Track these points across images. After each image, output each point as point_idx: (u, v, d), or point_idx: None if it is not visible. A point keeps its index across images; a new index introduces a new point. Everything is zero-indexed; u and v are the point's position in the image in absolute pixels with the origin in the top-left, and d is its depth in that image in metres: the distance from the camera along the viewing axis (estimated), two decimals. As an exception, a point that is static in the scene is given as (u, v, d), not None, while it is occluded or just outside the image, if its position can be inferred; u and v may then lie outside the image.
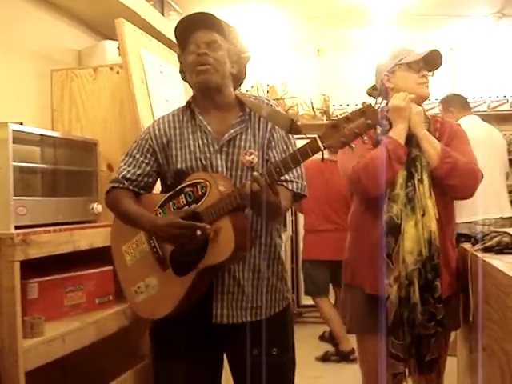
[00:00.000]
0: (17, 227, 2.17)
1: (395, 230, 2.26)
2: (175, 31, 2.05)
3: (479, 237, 2.34)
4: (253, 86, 6.29)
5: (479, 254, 2.17)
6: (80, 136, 2.89)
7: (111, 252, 2.19)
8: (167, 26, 3.69)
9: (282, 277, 2.11)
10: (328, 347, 4.85)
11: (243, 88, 6.06)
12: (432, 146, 2.32)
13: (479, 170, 2.32)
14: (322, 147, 1.70)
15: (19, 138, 2.25)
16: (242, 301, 2.00)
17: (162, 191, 2.12)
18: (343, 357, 4.47)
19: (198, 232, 1.81)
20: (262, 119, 2.03)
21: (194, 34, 2.00)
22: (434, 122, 2.48)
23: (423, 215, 2.25)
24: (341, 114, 6.38)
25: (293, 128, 1.84)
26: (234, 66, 2.07)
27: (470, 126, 3.67)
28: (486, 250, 2.21)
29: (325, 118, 6.33)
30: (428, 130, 2.37)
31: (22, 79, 2.96)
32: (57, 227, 2.33)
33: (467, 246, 2.41)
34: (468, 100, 4.50)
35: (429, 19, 5.73)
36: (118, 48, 2.87)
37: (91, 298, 2.56)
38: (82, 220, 2.63)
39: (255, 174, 1.76)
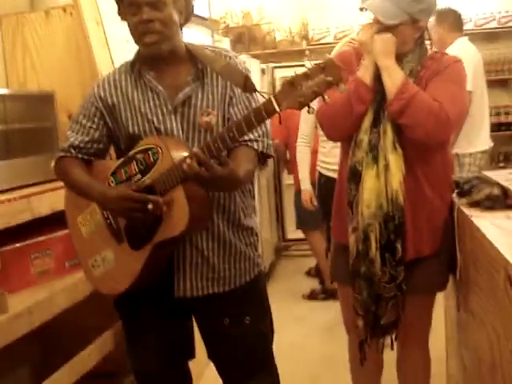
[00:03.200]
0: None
1: (356, 178, 2.08)
2: None
3: (466, 187, 2.12)
4: (227, 12, 5.97)
5: (466, 211, 1.97)
6: (33, 90, 2.68)
7: (67, 222, 2.03)
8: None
9: (250, 243, 1.96)
10: (314, 283, 4.78)
11: (216, 15, 5.82)
12: (391, 79, 2.00)
13: (447, 115, 1.95)
14: (277, 109, 1.53)
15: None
16: (208, 272, 1.87)
17: (117, 155, 1.95)
18: (330, 294, 4.39)
19: (150, 206, 1.67)
20: None
21: None
22: (429, 58, 2.13)
23: (386, 170, 2.03)
24: (318, 40, 6.14)
25: (247, 86, 1.67)
26: (183, 12, 1.83)
27: (467, 53, 3.43)
28: (474, 204, 2.03)
29: (304, 43, 6.06)
30: (414, 67, 2.08)
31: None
32: (11, 195, 2.17)
33: (455, 198, 2.20)
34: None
35: None
36: (68, -12, 2.61)
37: (60, 262, 2.43)
38: (43, 180, 2.46)
39: (194, 149, 1.60)
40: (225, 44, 5.32)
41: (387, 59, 2.03)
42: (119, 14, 1.84)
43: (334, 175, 3.41)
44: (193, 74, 1.83)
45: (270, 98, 1.54)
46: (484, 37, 5.29)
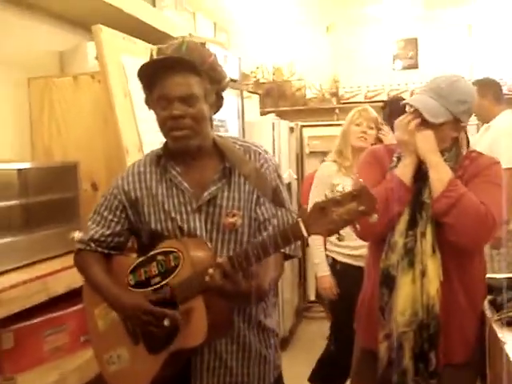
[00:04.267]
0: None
1: (390, 282, 1.98)
2: (139, 74, 1.73)
3: (499, 300, 2.00)
4: (258, 67, 5.95)
5: (498, 332, 1.85)
6: (56, 162, 2.63)
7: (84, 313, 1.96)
8: (158, 17, 3.39)
9: (271, 344, 1.87)
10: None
11: (247, 69, 5.82)
12: (439, 176, 1.94)
13: (493, 219, 1.87)
14: (305, 234, 1.48)
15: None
16: (226, 376, 1.78)
17: (138, 248, 1.88)
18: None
19: (166, 322, 1.61)
20: None
21: (164, 80, 1.68)
22: (465, 157, 2.07)
23: (423, 275, 1.93)
24: (348, 99, 6.07)
25: (275, 199, 1.66)
26: (213, 105, 1.78)
27: None
28: (507, 322, 1.90)
29: (334, 100, 6.00)
30: (451, 166, 2.00)
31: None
32: (27, 275, 2.12)
33: (488, 309, 2.07)
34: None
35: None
36: (96, 58, 2.57)
37: (75, 336, 2.40)
38: (63, 252, 2.41)
39: (220, 260, 1.54)
40: (254, 101, 5.29)
41: (435, 156, 1.97)
42: (146, 103, 1.79)
43: (353, 262, 3.28)
44: (220, 171, 1.76)
45: (297, 222, 1.49)
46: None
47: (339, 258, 3.35)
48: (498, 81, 4.78)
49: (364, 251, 3.19)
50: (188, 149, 1.73)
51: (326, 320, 5.17)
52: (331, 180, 3.34)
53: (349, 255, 3.30)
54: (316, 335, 5.01)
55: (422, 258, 1.93)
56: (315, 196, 3.27)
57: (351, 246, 3.22)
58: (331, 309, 3.53)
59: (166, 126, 1.71)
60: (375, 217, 1.43)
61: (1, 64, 2.70)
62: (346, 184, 3.24)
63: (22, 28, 2.81)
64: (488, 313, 2.03)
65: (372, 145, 3.36)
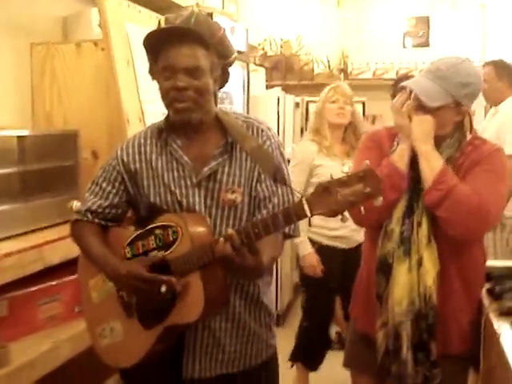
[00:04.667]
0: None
1: (386, 270, 1.93)
2: (145, 42, 1.69)
3: (497, 290, 1.96)
4: (265, 39, 5.87)
5: (495, 323, 1.82)
6: (56, 130, 2.60)
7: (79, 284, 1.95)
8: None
9: (266, 323, 1.85)
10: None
11: (254, 41, 5.74)
12: (429, 165, 1.86)
13: (488, 209, 1.81)
14: (308, 214, 1.45)
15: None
16: (218, 353, 1.76)
17: (136, 220, 1.85)
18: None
19: (163, 288, 1.58)
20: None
21: (170, 50, 1.63)
22: (468, 144, 1.97)
23: (420, 264, 1.88)
24: (357, 75, 5.99)
25: (277, 177, 1.63)
26: (218, 79, 1.74)
27: None
28: (505, 312, 1.86)
29: (342, 76, 5.92)
30: (452, 153, 1.93)
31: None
32: (23, 244, 2.12)
33: (486, 298, 2.03)
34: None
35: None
36: (99, 25, 2.53)
37: (69, 307, 2.40)
38: (61, 221, 2.39)
39: (229, 231, 1.51)
40: (260, 74, 5.23)
41: (426, 144, 1.88)
42: (150, 73, 1.75)
43: (331, 242, 3.28)
44: (221, 146, 1.73)
45: (301, 201, 1.46)
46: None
47: (315, 238, 3.32)
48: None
49: (344, 232, 3.20)
50: (190, 122, 1.69)
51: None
52: (312, 160, 3.27)
53: (327, 236, 3.28)
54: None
55: (419, 247, 1.88)
56: (297, 175, 3.17)
57: (331, 227, 3.21)
58: (305, 285, 3.51)
59: (168, 96, 1.67)
60: (380, 199, 1.40)
61: (3, 29, 2.66)
62: (327, 165, 3.20)
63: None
64: (485, 302, 1.99)
65: (350, 122, 3.35)
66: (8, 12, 2.66)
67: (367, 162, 1.42)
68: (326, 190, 1.42)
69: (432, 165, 1.86)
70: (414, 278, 1.88)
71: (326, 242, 3.30)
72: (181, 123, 1.71)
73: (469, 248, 1.96)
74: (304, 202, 1.45)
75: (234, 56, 1.77)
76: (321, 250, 3.29)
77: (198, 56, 1.64)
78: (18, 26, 2.73)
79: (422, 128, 1.88)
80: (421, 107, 1.89)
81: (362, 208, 1.40)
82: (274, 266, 1.99)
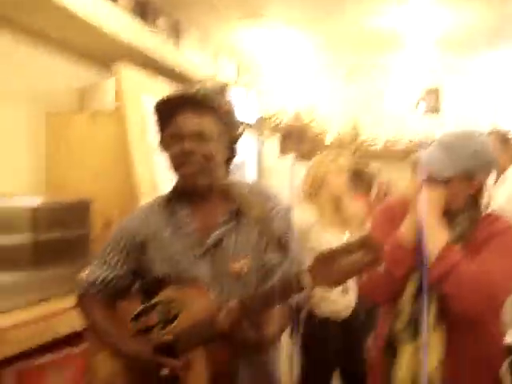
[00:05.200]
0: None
1: (392, 350, 1.86)
2: (155, 111, 1.71)
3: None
4: (277, 111, 5.95)
5: None
6: (68, 200, 2.60)
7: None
8: (180, 57, 3.40)
9: None
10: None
11: (267, 112, 5.81)
12: (433, 241, 1.78)
13: (496, 293, 1.74)
14: (306, 286, 1.42)
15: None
16: None
17: (141, 292, 1.81)
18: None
19: (165, 372, 1.56)
20: None
21: (179, 117, 1.65)
22: (482, 220, 1.89)
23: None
24: (368, 147, 6.03)
25: (282, 245, 1.61)
26: (226, 149, 1.74)
27: None
28: None
29: (353, 147, 5.97)
30: (462, 231, 1.86)
31: (14, 124, 2.68)
32: (31, 314, 2.09)
33: (506, 373, 1.95)
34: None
35: (467, 46, 5.33)
36: (115, 96, 2.57)
37: (77, 379, 2.33)
38: (72, 291, 2.34)
39: (230, 305, 1.48)
40: (273, 141, 5.27)
41: (431, 216, 1.82)
42: (160, 145, 1.76)
43: (336, 316, 3.05)
44: (227, 213, 1.71)
45: (301, 273, 1.43)
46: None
47: (320, 311, 3.09)
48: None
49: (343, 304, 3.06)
50: (196, 187, 1.67)
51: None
52: (308, 234, 3.05)
53: (331, 309, 3.07)
54: None
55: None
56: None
57: (331, 299, 3.02)
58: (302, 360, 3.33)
59: (176, 161, 1.67)
60: (382, 267, 1.36)
61: (20, 99, 2.71)
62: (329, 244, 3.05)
63: (42, 63, 2.83)
64: (506, 378, 1.90)
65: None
66: (26, 82, 2.72)
67: (366, 228, 1.39)
68: (326, 260, 1.39)
69: (435, 240, 1.79)
70: (418, 361, 1.79)
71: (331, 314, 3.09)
72: (188, 189, 1.70)
73: (482, 326, 1.87)
74: (304, 274, 1.42)
75: (241, 128, 1.78)
76: (325, 324, 3.09)
77: (204, 122, 1.64)
78: (35, 96, 2.78)
79: (429, 200, 1.82)
80: (431, 179, 1.84)
81: (363, 276, 1.36)
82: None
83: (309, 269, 1.42)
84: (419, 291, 1.82)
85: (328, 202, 3.19)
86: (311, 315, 3.06)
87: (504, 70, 6.15)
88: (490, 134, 4.10)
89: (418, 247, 1.83)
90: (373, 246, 1.37)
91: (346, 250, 1.38)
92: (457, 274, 1.74)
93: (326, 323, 3.06)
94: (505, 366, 1.95)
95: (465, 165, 1.83)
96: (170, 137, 1.68)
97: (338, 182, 3.21)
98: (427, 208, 1.82)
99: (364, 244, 1.37)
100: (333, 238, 3.02)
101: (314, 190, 3.22)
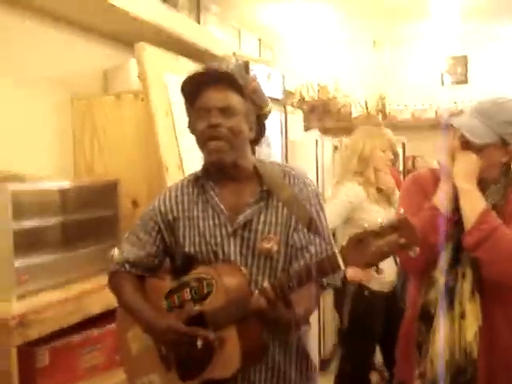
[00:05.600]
0: (20, 296, 2.05)
1: (428, 319, 1.87)
2: (182, 88, 1.73)
3: None
4: (302, 84, 5.92)
5: None
6: (97, 180, 2.64)
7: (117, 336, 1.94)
8: (202, 34, 3.38)
9: (306, 372, 1.80)
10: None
11: (291, 87, 5.79)
12: (471, 205, 1.79)
13: None
14: (342, 266, 1.44)
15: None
16: None
17: (172, 270, 1.85)
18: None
19: (199, 343, 1.57)
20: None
21: (205, 93, 1.67)
22: None
23: (462, 317, 1.80)
24: (395, 116, 5.95)
25: (311, 227, 1.63)
26: (253, 127, 1.74)
27: None
28: None
29: (380, 116, 5.91)
30: (496, 201, 1.85)
31: (40, 108, 2.71)
32: (63, 294, 2.15)
33: None
34: None
35: (495, 13, 5.21)
36: (138, 77, 2.57)
37: (110, 356, 2.40)
38: (103, 270, 2.39)
39: (264, 285, 1.50)
40: (298, 116, 5.25)
41: (468, 183, 1.82)
42: (189, 126, 1.78)
43: (384, 288, 3.21)
44: (257, 194, 1.72)
45: (335, 253, 1.44)
46: None
47: (370, 284, 3.22)
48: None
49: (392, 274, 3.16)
50: (222, 163, 1.68)
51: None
52: (360, 206, 3.27)
53: (381, 282, 3.19)
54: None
55: (462, 299, 1.81)
56: (334, 213, 3.16)
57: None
58: (348, 331, 3.40)
59: (203, 136, 1.68)
60: (416, 250, 1.36)
61: (44, 83, 2.73)
62: (378, 215, 3.15)
63: (67, 46, 2.84)
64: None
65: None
66: (49, 66, 2.74)
67: (402, 211, 1.39)
68: (359, 241, 1.40)
69: (474, 205, 1.80)
70: (455, 330, 1.81)
71: (380, 288, 3.22)
72: (215, 166, 1.71)
73: None
74: (338, 254, 1.44)
75: (268, 107, 1.78)
76: (373, 296, 3.22)
77: (229, 97, 1.66)
78: (59, 80, 2.80)
79: (465, 166, 1.83)
80: (466, 146, 1.85)
81: (398, 259, 1.36)
82: (317, 312, 1.95)
83: (341, 249, 1.44)
84: (452, 262, 1.83)
85: (373, 177, 3.34)
86: (361, 289, 3.21)
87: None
88: None
89: (454, 213, 1.84)
90: (408, 228, 1.37)
91: (381, 232, 1.38)
92: (496, 238, 1.75)
93: (375, 296, 3.20)
94: None
95: (500, 131, 1.83)
96: (196, 111, 1.70)
97: (384, 157, 3.38)
98: (463, 173, 1.83)
99: (399, 226, 1.37)
100: (381, 210, 3.23)
101: (362, 166, 3.31)
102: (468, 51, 6.20)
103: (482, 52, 6.14)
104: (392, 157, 3.39)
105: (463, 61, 6.19)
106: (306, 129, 5.39)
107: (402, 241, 1.36)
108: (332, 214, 2.97)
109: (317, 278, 1.51)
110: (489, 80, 5.82)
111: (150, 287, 1.81)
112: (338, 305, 3.44)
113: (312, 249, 1.68)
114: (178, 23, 3.11)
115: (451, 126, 1.90)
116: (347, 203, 3.28)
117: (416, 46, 6.27)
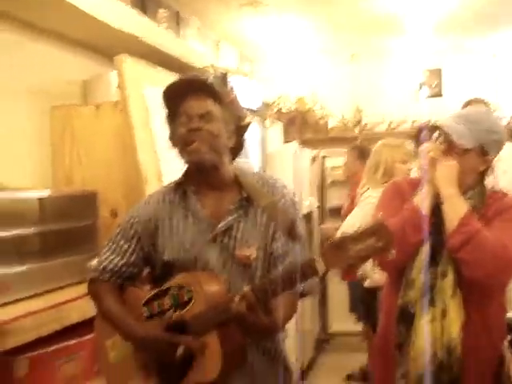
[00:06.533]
0: (-2, 305, 2.02)
1: (408, 319, 1.91)
2: (163, 97, 1.76)
3: None
4: (280, 96, 5.96)
5: None
6: (75, 191, 2.64)
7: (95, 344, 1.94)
8: (181, 47, 3.42)
9: (284, 379, 1.82)
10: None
11: (269, 98, 5.83)
12: (454, 209, 1.85)
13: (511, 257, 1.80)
14: (320, 272, 1.48)
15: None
16: None
17: (152, 278, 1.86)
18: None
19: (180, 351, 1.61)
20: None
21: (185, 103, 1.71)
22: (489, 196, 1.97)
23: (444, 315, 1.85)
24: (372, 128, 6.03)
25: (292, 234, 1.65)
26: (232, 136, 1.78)
27: None
28: None
29: (357, 129, 5.98)
30: (474, 205, 1.91)
31: (19, 118, 2.72)
32: (40, 303, 2.13)
33: (505, 349, 1.99)
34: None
35: (468, 27, 5.33)
36: (118, 87, 2.60)
37: (88, 366, 2.36)
38: (81, 280, 2.40)
39: (245, 290, 1.53)
40: (277, 129, 5.30)
41: (451, 187, 1.89)
42: (170, 138, 1.80)
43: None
44: (237, 202, 1.75)
45: (313, 259, 1.48)
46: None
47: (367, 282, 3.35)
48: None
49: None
50: (203, 163, 1.70)
51: (348, 354, 5.03)
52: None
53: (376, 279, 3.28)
54: (336, 372, 4.77)
55: (443, 297, 1.86)
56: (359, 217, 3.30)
57: None
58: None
59: (183, 141, 1.71)
60: (393, 253, 1.40)
61: (25, 92, 2.74)
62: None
63: (46, 57, 2.86)
64: (507, 354, 1.95)
65: None
66: (29, 75, 2.75)
67: (379, 216, 1.43)
68: (338, 246, 1.43)
69: (456, 208, 1.86)
70: (437, 328, 1.85)
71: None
72: (195, 165, 1.73)
73: (491, 299, 1.93)
74: (316, 259, 1.47)
75: (247, 119, 1.82)
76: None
77: (210, 105, 1.71)
78: (39, 90, 2.81)
79: (447, 171, 1.89)
80: (448, 152, 1.92)
81: (376, 261, 1.40)
82: (295, 322, 1.97)
83: (322, 253, 1.46)
84: (431, 261, 1.88)
85: None
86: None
87: (505, 51, 6.15)
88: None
89: (433, 218, 1.90)
90: (384, 232, 1.41)
91: (358, 236, 1.42)
92: (478, 240, 1.80)
93: (374, 291, 3.27)
94: (505, 342, 2.00)
95: (483, 139, 1.91)
96: (178, 121, 1.73)
97: (404, 169, 3.52)
98: (446, 178, 1.89)
99: (376, 231, 1.41)
100: None
101: (386, 178, 3.46)
102: (442, 64, 6.32)
103: (455, 65, 6.27)
104: (411, 168, 3.49)
105: (438, 73, 6.31)
106: (286, 141, 5.44)
107: (379, 244, 1.39)
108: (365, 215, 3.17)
109: (296, 283, 1.53)
110: (462, 92, 5.92)
111: (129, 296, 1.82)
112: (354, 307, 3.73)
113: (290, 257, 1.71)
114: (158, 36, 3.14)
115: (436, 128, 1.96)
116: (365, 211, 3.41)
117: (392, 59, 6.37)
